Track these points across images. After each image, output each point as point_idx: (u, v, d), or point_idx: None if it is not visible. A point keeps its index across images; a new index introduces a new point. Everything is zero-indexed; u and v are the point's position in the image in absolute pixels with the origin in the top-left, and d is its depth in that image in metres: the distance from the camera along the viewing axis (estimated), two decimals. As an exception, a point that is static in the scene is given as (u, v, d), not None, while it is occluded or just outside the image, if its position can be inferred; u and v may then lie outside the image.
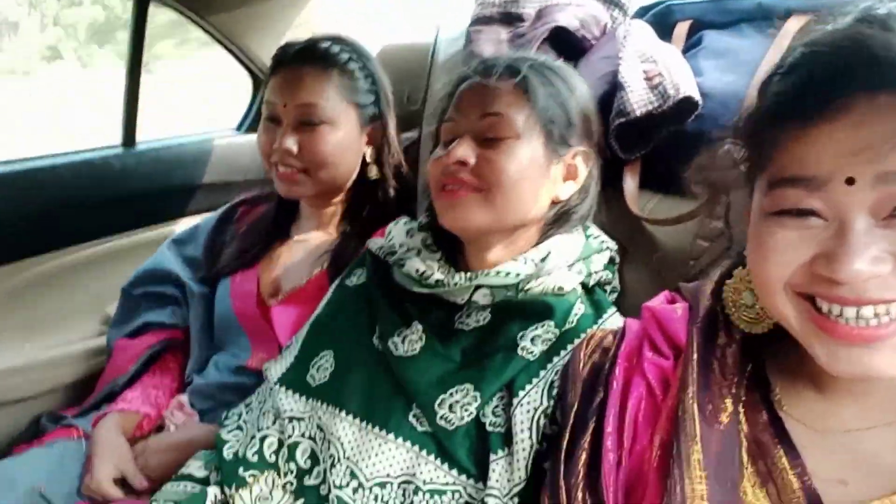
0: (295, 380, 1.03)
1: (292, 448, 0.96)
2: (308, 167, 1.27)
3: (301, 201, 1.40)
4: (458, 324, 0.98)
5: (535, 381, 0.89)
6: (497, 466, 0.85)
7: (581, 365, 0.86)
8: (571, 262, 0.99)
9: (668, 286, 1.01)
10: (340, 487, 0.89)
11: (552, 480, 0.76)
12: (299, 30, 1.76)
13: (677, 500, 0.66)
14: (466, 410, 0.88)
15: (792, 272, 0.63)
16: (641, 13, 1.38)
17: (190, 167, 1.68)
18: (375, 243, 1.12)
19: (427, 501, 0.87)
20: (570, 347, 0.92)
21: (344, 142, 1.29)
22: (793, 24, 1.08)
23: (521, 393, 0.88)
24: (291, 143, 1.25)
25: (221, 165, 1.73)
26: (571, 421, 0.78)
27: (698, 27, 1.25)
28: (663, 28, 1.28)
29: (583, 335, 0.93)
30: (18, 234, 1.48)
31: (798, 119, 0.60)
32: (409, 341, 0.96)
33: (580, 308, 0.96)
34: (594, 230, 1.07)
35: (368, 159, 1.35)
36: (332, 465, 0.91)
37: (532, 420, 0.85)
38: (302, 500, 0.93)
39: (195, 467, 1.05)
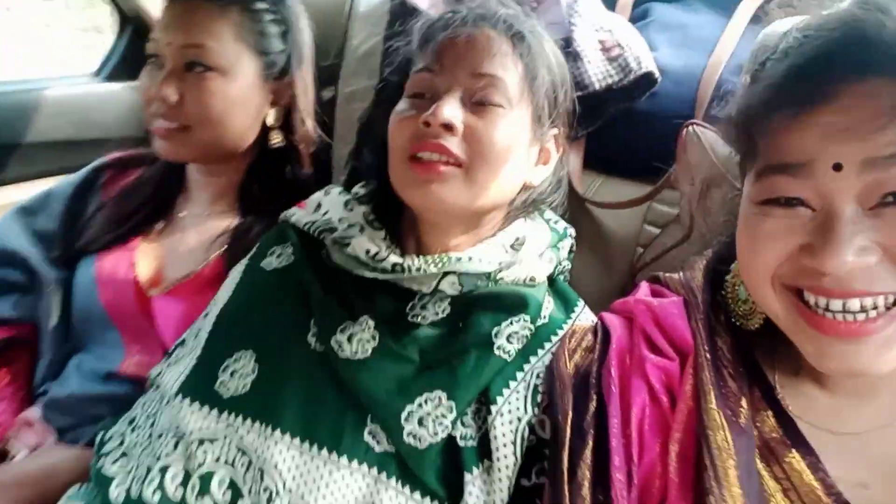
0: (200, 389, 0.83)
1: (205, 479, 0.77)
2: (190, 123, 1.05)
3: (187, 168, 1.16)
4: (413, 316, 0.84)
5: (512, 385, 0.79)
6: (473, 488, 0.73)
7: (566, 368, 0.77)
8: (542, 249, 0.89)
9: (614, 272, 0.94)
10: None
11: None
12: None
13: None
14: (441, 424, 0.75)
15: (779, 263, 0.61)
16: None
17: (35, 119, 1.34)
18: (300, 217, 0.94)
19: None
20: (546, 346, 0.83)
21: (238, 96, 1.08)
22: (749, 4, 1.05)
23: (500, 400, 0.77)
24: (171, 92, 1.03)
25: (75, 119, 1.40)
26: (569, 434, 0.69)
27: (642, -2, 1.20)
28: (605, -5, 1.20)
29: (559, 332, 0.84)
30: None
31: (787, 105, 0.57)
32: (359, 340, 0.80)
33: (549, 301, 0.87)
34: (550, 214, 0.98)
35: (272, 121, 1.14)
36: (270, 501, 0.73)
37: (516, 433, 0.75)
38: None
39: (73, 513, 0.82)
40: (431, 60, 0.84)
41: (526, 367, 0.80)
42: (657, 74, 1.01)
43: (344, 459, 0.75)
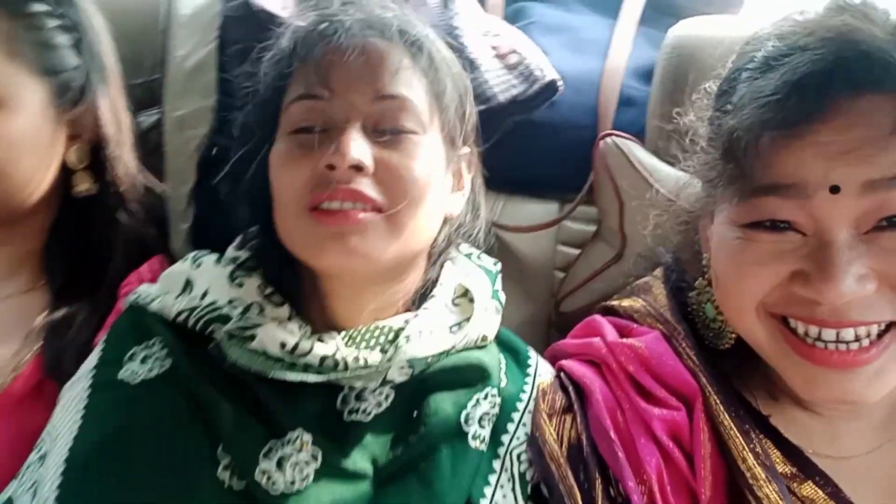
0: None
1: None
2: None
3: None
4: (350, 413, 0.66)
5: (493, 479, 0.65)
6: None
7: (554, 443, 0.65)
8: (487, 299, 0.76)
9: (533, 302, 0.85)
10: None
11: None
12: None
13: None
14: None
15: (766, 291, 0.57)
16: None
17: None
18: (166, 303, 0.70)
19: None
20: (515, 418, 0.70)
21: (19, 135, 0.78)
22: (632, 4, 1.02)
23: None
24: None
25: None
26: None
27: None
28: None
29: (522, 397, 0.71)
30: None
31: (780, 124, 0.54)
32: (294, 465, 0.60)
33: (501, 358, 0.74)
34: (468, 248, 0.84)
35: (74, 162, 0.86)
36: None
37: None
38: None
39: None
40: (316, 84, 0.66)
41: (500, 450, 0.67)
42: (560, 83, 0.93)
43: None
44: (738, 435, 0.61)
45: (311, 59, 0.68)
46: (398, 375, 0.67)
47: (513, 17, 1.08)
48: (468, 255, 0.82)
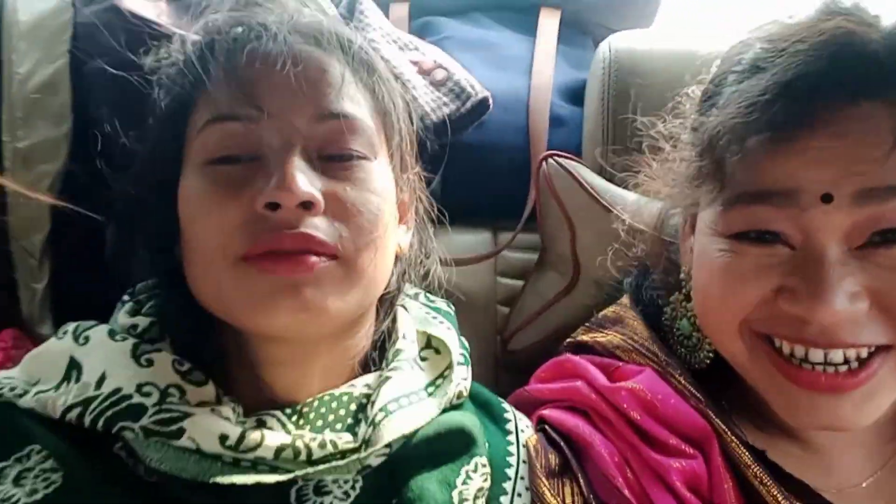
0: None
1: None
2: None
3: None
4: None
5: None
6: None
7: (565, 512, 0.56)
8: (458, 345, 0.66)
9: (477, 341, 0.77)
10: None
11: None
12: None
13: None
14: None
15: (751, 308, 0.54)
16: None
17: None
18: (47, 398, 0.52)
19: None
20: (508, 489, 0.60)
21: None
22: (548, 19, 0.98)
23: None
24: None
25: None
26: None
27: (417, 11, 1.02)
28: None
29: (510, 460, 0.62)
30: None
31: (770, 128, 0.51)
32: None
33: (474, 417, 0.64)
34: (409, 287, 0.73)
35: None
36: None
37: None
38: None
39: None
40: (239, 102, 0.54)
41: None
42: (491, 100, 0.85)
43: None
44: (764, 473, 0.56)
45: (230, 72, 0.54)
46: (374, 460, 0.55)
47: (420, 32, 0.99)
48: (415, 297, 0.71)
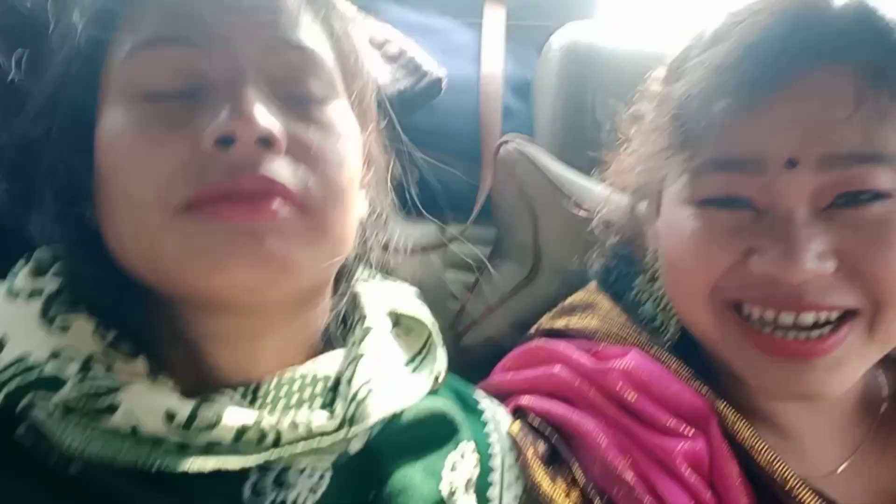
0: None
1: None
2: None
3: None
4: None
5: None
6: None
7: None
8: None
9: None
10: None
11: None
12: None
13: None
14: None
15: (721, 273, 0.55)
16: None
17: None
18: None
19: None
20: (496, 480, 0.54)
21: None
22: (493, 10, 0.96)
23: None
24: None
25: None
26: None
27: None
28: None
29: (493, 452, 0.56)
30: None
31: (734, 92, 0.52)
32: None
33: (451, 403, 0.58)
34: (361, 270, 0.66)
35: None
36: None
37: None
38: None
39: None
40: (177, 23, 0.45)
41: None
42: (444, 82, 0.82)
43: None
44: (769, 449, 0.54)
45: None
46: (355, 443, 0.47)
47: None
48: (371, 277, 0.64)
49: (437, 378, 0.56)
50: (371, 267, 0.65)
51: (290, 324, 0.50)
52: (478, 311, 0.79)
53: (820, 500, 0.53)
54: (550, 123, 0.84)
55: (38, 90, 0.50)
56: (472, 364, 0.78)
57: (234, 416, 0.43)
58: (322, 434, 0.46)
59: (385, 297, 0.60)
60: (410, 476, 0.49)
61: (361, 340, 0.53)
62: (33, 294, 0.45)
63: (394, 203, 0.70)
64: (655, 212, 0.63)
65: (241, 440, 0.43)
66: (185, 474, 0.40)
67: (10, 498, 0.39)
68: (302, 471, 0.46)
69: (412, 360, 0.56)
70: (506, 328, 0.77)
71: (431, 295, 0.83)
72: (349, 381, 0.49)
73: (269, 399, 0.47)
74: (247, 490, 0.44)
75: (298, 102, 0.47)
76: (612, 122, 0.70)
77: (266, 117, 0.43)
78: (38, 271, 0.48)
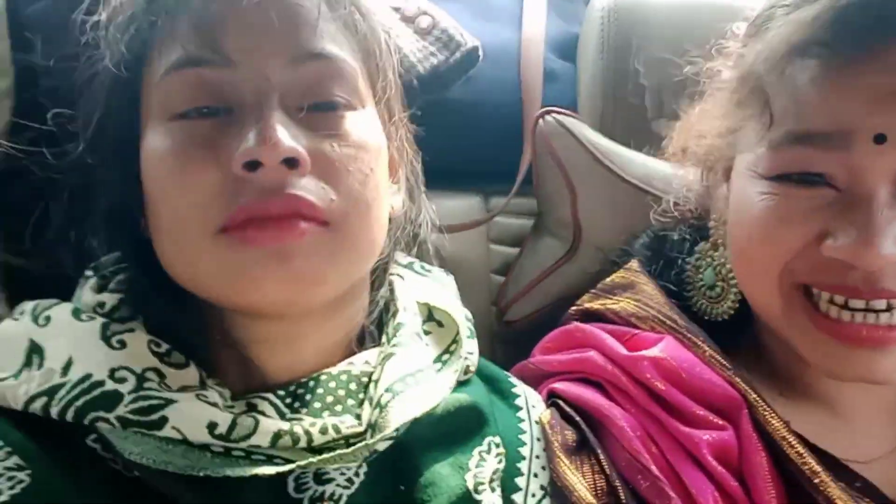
0: None
1: None
2: None
3: None
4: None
5: None
6: None
7: (588, 492, 0.53)
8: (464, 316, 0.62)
9: (471, 307, 0.73)
10: None
11: None
12: None
13: None
14: None
15: (793, 255, 0.53)
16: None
17: None
18: (1, 391, 0.46)
19: None
20: (524, 469, 0.56)
21: None
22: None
23: None
24: None
25: None
26: None
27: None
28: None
29: (524, 440, 0.58)
30: None
31: (820, 57, 0.49)
32: None
33: (483, 393, 0.60)
34: (401, 255, 0.68)
35: None
36: None
37: None
38: None
39: None
40: (202, 45, 0.48)
41: None
42: (481, 51, 0.80)
43: None
44: (799, 443, 0.54)
45: (189, 11, 0.48)
46: (382, 444, 0.50)
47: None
48: (409, 266, 0.66)
49: (465, 370, 0.58)
50: (412, 248, 0.68)
51: (325, 326, 0.54)
52: (520, 286, 0.80)
53: (850, 493, 0.52)
54: (591, 90, 0.81)
55: (86, 117, 0.54)
56: (515, 339, 0.80)
57: (269, 424, 0.47)
58: (348, 437, 0.49)
59: (419, 290, 0.62)
60: (439, 469, 0.52)
61: (393, 337, 0.55)
62: (96, 309, 0.51)
63: (434, 178, 0.71)
64: (724, 177, 0.61)
65: (276, 445, 0.47)
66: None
67: (89, 496, 0.45)
68: (338, 467, 0.49)
69: (440, 356, 0.58)
70: (548, 303, 0.78)
71: (475, 270, 0.85)
72: (376, 384, 0.52)
73: (306, 400, 0.51)
74: (290, 484, 0.48)
75: (323, 112, 0.50)
76: (657, 87, 0.68)
77: (290, 139, 0.46)
78: (101, 288, 0.53)
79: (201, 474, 0.44)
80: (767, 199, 0.53)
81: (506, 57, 0.85)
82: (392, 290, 0.60)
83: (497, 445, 0.55)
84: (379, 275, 0.60)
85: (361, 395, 0.52)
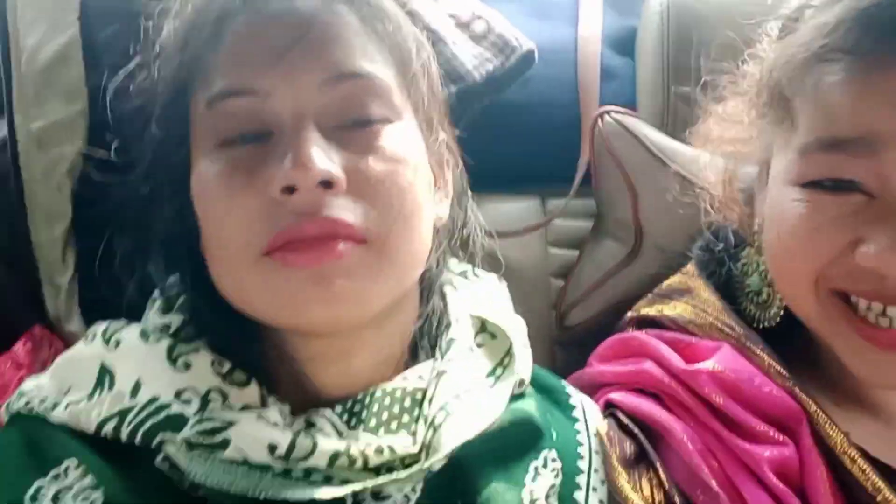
0: None
1: None
2: None
3: None
4: None
5: None
6: None
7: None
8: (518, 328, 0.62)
9: (531, 318, 0.72)
10: None
11: None
12: None
13: None
14: None
15: (826, 262, 0.52)
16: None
17: None
18: (81, 410, 0.49)
19: None
20: (582, 483, 0.56)
21: None
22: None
23: None
24: None
25: None
26: None
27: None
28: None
29: (581, 453, 0.58)
30: None
31: (846, 60, 0.49)
32: None
33: (539, 405, 0.60)
34: (454, 262, 0.68)
35: None
36: None
37: None
38: None
39: None
40: (246, 72, 0.50)
41: None
42: (536, 54, 0.80)
43: None
44: (861, 457, 0.52)
45: (225, 40, 0.51)
46: (438, 463, 0.51)
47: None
48: (463, 274, 0.67)
49: (520, 382, 0.59)
50: (464, 255, 0.69)
51: (374, 340, 0.55)
52: (580, 290, 0.80)
53: None
54: (651, 86, 0.80)
55: (141, 150, 0.57)
56: (575, 344, 0.80)
57: (327, 444, 0.49)
58: (403, 457, 0.50)
59: (471, 301, 0.62)
60: (495, 485, 0.52)
61: (446, 352, 0.56)
62: (163, 330, 0.54)
63: (491, 181, 0.71)
64: (765, 180, 0.60)
65: (334, 465, 0.48)
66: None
67: None
68: (397, 485, 0.51)
69: (494, 370, 0.58)
70: (608, 308, 0.77)
71: (533, 274, 0.86)
72: (430, 402, 0.52)
73: (362, 417, 0.52)
74: (349, 500, 0.49)
75: (359, 128, 0.51)
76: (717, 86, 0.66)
77: (324, 161, 0.47)
78: (166, 309, 0.56)
79: (262, 496, 0.46)
80: (799, 206, 0.53)
81: (562, 56, 0.85)
82: (445, 302, 0.61)
83: (554, 460, 0.55)
84: (428, 284, 0.61)
85: (416, 412, 0.53)
